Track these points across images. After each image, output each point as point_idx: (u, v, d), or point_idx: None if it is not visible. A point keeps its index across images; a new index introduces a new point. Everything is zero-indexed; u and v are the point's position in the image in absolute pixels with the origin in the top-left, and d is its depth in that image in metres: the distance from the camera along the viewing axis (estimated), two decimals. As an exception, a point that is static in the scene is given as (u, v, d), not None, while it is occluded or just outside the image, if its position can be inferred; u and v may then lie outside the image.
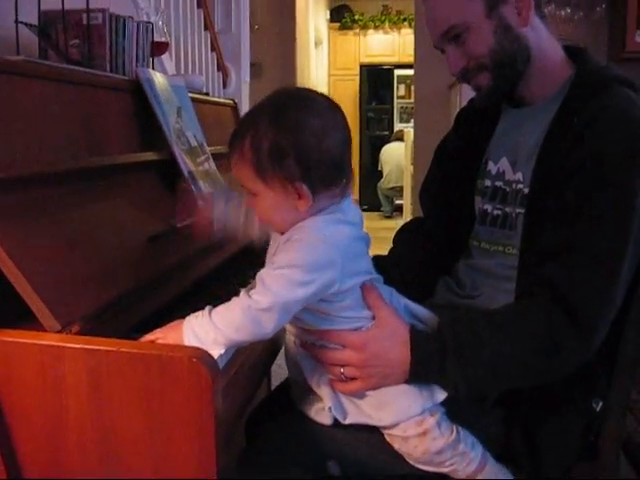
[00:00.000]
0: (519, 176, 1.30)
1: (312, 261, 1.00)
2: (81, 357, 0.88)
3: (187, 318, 1.00)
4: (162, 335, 1.01)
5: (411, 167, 5.80)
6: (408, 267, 1.47)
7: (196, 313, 1.01)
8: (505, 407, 1.21)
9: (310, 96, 1.07)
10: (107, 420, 0.89)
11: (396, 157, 8.26)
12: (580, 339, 1.11)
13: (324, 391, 1.11)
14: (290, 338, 1.16)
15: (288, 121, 1.01)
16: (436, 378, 1.10)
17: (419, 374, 1.10)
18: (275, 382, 2.39)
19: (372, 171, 9.30)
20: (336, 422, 1.12)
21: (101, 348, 0.88)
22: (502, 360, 1.11)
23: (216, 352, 0.97)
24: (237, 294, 1.36)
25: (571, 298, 1.10)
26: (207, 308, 1.01)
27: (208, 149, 1.72)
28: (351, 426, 1.12)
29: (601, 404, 1.24)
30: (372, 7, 9.94)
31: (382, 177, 8.75)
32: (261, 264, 1.62)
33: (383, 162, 8.71)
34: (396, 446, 1.12)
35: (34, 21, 1.59)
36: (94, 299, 1.02)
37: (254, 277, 1.49)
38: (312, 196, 1.02)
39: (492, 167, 1.37)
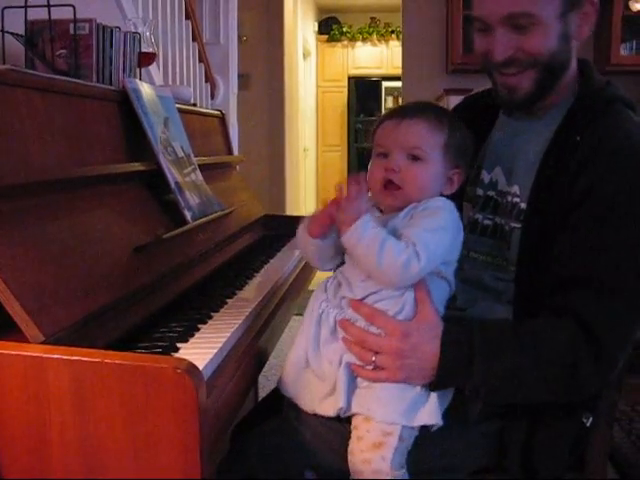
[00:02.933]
0: (515, 189, 1.28)
1: (454, 219, 1.15)
2: (64, 368, 0.87)
3: (360, 220, 1.09)
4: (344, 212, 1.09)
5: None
6: None
7: (373, 222, 1.10)
8: (500, 419, 1.22)
9: None
10: (91, 431, 0.88)
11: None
12: (599, 369, 1.12)
13: (340, 381, 1.12)
14: (326, 313, 1.17)
15: (462, 126, 1.23)
16: (461, 379, 1.12)
17: (446, 372, 1.11)
18: (262, 393, 2.38)
19: (360, 183, 9.30)
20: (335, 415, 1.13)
21: (85, 359, 0.88)
22: (524, 376, 1.12)
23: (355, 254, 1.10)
24: (223, 305, 1.37)
25: (596, 330, 1.11)
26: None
27: (195, 160, 1.72)
28: (342, 423, 1.13)
29: (591, 419, 1.24)
30: (360, 19, 9.98)
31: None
32: (248, 275, 1.62)
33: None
34: (352, 439, 1.11)
35: (21, 31, 1.59)
36: (79, 309, 1.01)
37: (240, 288, 1.50)
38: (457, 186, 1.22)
39: (485, 176, 1.35)
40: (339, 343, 1.14)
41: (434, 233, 1.10)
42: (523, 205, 1.25)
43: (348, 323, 1.14)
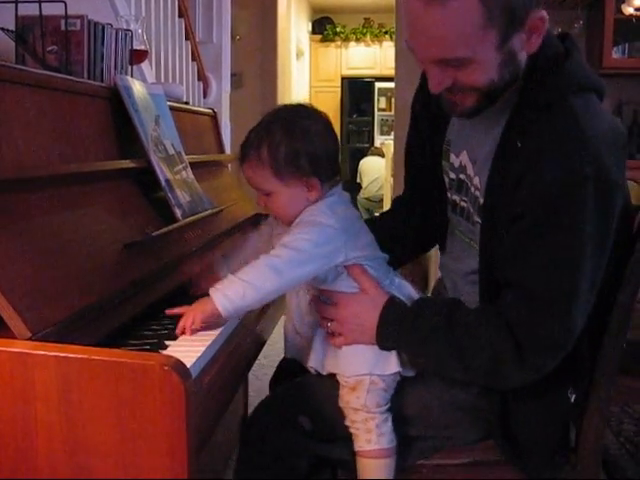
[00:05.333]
0: (477, 181, 1.26)
1: (325, 228, 1.20)
2: (51, 365, 0.87)
3: (212, 288, 1.14)
4: (192, 314, 1.13)
5: (391, 179, 5.81)
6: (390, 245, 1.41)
7: (219, 282, 1.15)
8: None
9: (306, 108, 1.31)
10: (77, 429, 0.87)
11: (376, 169, 8.28)
12: (521, 368, 1.16)
13: (316, 344, 1.31)
14: (304, 290, 1.33)
15: (297, 130, 1.23)
16: (393, 344, 1.24)
17: (382, 338, 1.23)
18: (252, 392, 2.37)
19: (353, 183, 9.31)
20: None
21: (72, 356, 0.87)
22: (447, 359, 1.20)
23: (241, 307, 1.14)
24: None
25: (518, 334, 1.14)
26: (229, 274, 1.16)
27: (186, 158, 1.72)
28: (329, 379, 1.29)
29: (574, 396, 1.28)
30: (354, 20, 9.99)
31: (361, 189, 8.76)
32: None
33: (362, 173, 8.72)
34: (340, 388, 1.27)
35: (11, 26, 1.58)
36: (67, 306, 1.01)
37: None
38: (321, 187, 1.23)
39: (454, 159, 1.34)
40: (315, 313, 1.32)
41: (299, 235, 1.19)
42: (482, 200, 1.24)
43: (315, 297, 1.31)
